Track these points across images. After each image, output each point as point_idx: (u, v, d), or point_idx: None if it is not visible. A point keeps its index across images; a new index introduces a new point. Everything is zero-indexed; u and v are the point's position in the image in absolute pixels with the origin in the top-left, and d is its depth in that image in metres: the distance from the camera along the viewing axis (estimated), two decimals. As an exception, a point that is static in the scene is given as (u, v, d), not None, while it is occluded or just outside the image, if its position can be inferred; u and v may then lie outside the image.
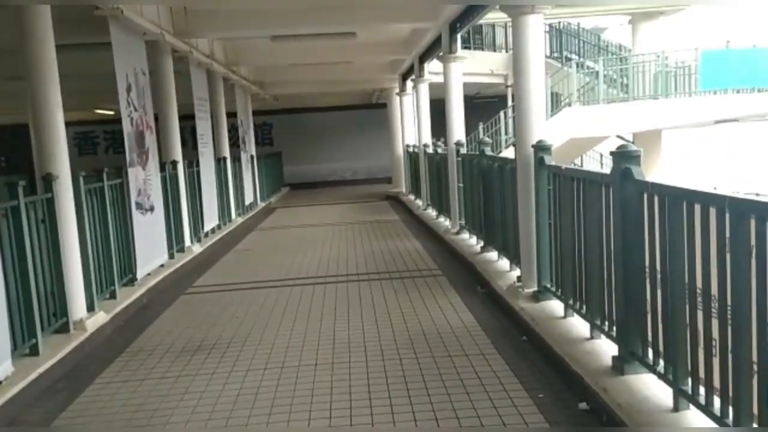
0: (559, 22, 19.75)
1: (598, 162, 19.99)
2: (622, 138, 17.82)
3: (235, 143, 13.97)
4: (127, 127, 6.50)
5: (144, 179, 6.93)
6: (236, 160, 13.14)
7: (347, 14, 8.78)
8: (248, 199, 13.85)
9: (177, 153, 8.65)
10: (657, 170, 16.14)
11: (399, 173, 16.85)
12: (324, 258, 8.28)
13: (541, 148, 5.01)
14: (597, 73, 15.86)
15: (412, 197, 14.69)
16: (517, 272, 5.82)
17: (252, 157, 15.15)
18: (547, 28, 19.57)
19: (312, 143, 22.52)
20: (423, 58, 11.88)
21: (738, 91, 14.80)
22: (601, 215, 3.85)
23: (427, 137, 12.35)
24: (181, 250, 8.48)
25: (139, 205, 6.72)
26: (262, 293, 6.53)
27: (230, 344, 4.91)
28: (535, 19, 5.13)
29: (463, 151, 8.57)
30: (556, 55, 19.40)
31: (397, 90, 16.06)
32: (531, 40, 5.12)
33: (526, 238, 5.33)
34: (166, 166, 8.08)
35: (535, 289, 5.17)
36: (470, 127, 20.97)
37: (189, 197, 9.16)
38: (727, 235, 2.60)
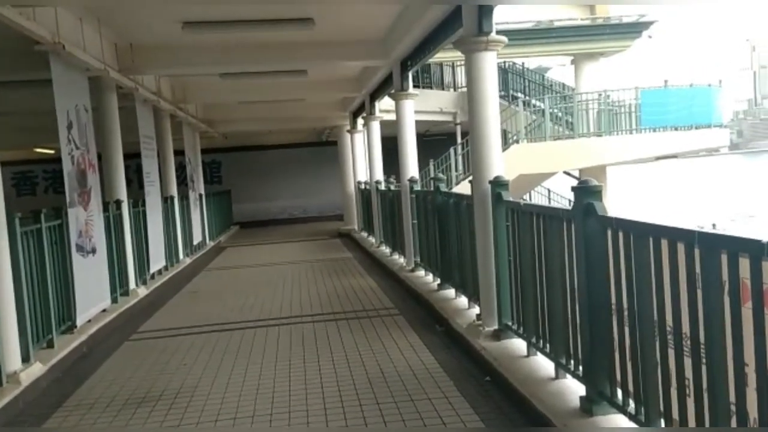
0: (505, 62, 20.28)
1: (545, 197, 20.35)
2: (568, 174, 18.21)
3: (183, 182, 13.66)
4: (67, 166, 6.19)
5: (85, 220, 6.59)
6: (184, 198, 12.79)
7: (298, 52, 8.72)
8: (197, 238, 13.47)
9: (121, 192, 8.32)
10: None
11: (351, 210, 16.74)
12: (277, 298, 8.02)
13: (498, 183, 4.97)
14: (543, 111, 16.25)
15: (364, 234, 14.56)
16: (476, 310, 5.72)
17: (200, 195, 14.81)
18: (494, 68, 20.06)
19: (262, 181, 22.25)
20: (374, 95, 11.91)
21: (676, 129, 15.36)
22: (563, 251, 3.79)
23: (379, 174, 12.32)
24: (126, 293, 8.09)
25: (79, 248, 6.37)
26: (212, 338, 6.23)
27: (178, 394, 4.61)
28: (489, 56, 5.14)
29: (417, 187, 8.52)
30: (502, 93, 19.84)
31: (348, 127, 16.05)
32: (486, 77, 5.13)
33: (485, 276, 5.25)
34: (110, 206, 7.74)
35: (496, 327, 5.07)
36: (421, 164, 21.14)
37: (134, 238, 8.80)
38: (697, 270, 2.55)
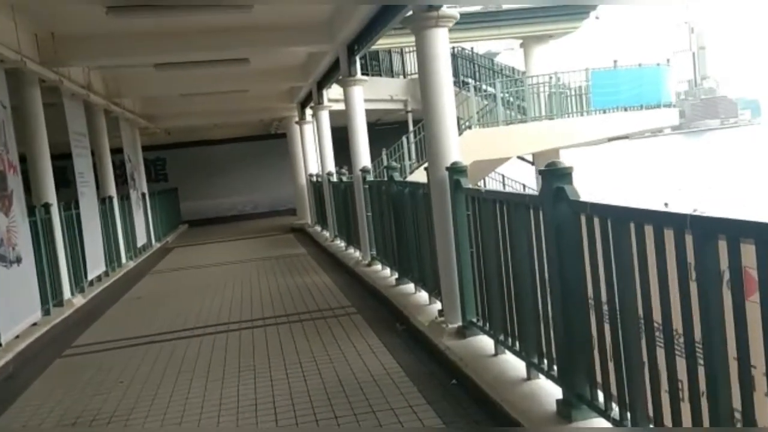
0: (454, 48, 20.00)
1: (500, 183, 20.24)
2: (522, 159, 18.10)
3: (124, 181, 12.95)
4: (-19, 168, 5.58)
5: (7, 227, 5.98)
6: (125, 198, 12.11)
7: (237, 39, 8.20)
8: (141, 240, 12.80)
9: (50, 194, 7.68)
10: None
11: (303, 204, 16.24)
12: (226, 301, 7.54)
13: (456, 170, 4.62)
14: (495, 96, 16.05)
15: (318, 228, 14.12)
16: (438, 306, 5.38)
17: (143, 194, 14.10)
18: (443, 53, 19.79)
19: (210, 177, 21.48)
20: (321, 84, 11.45)
21: (627, 109, 15.36)
22: (531, 240, 3.47)
23: (330, 165, 11.88)
24: (60, 303, 7.48)
25: (1, 258, 5.76)
26: (154, 349, 5.73)
27: (112, 418, 4.13)
28: (440, 33, 4.78)
29: (370, 177, 8.14)
30: (453, 79, 19.56)
31: (297, 119, 15.52)
32: (439, 56, 4.77)
33: (446, 269, 4.90)
34: (37, 210, 7.10)
35: (460, 324, 4.74)
36: (373, 153, 20.73)
37: (68, 243, 8.17)
38: (690, 259, 2.24)
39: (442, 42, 4.78)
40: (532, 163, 18.00)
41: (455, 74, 19.77)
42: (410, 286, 6.44)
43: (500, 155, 16.79)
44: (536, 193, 3.47)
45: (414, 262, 6.16)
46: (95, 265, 9.19)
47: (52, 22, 7.20)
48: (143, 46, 8.07)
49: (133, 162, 13.12)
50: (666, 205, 3.25)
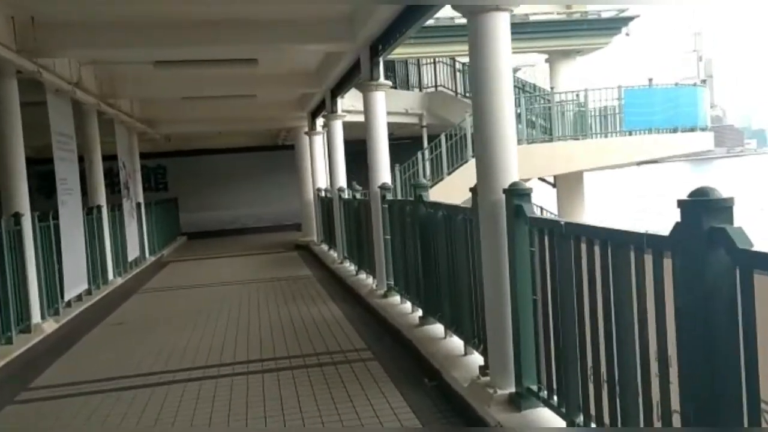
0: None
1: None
2: (544, 181, 17.08)
3: (117, 189, 11.97)
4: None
5: (-43, 241, 4.96)
6: (117, 208, 11.10)
7: (245, 33, 7.23)
8: (132, 253, 11.77)
9: (22, 203, 6.67)
10: (582, 213, 15.41)
11: (309, 220, 15.21)
12: (219, 335, 6.48)
13: (517, 193, 3.58)
14: (518, 113, 15.08)
15: (325, 247, 13.07)
16: (478, 359, 4.33)
17: (138, 204, 13.10)
18: (460, 67, 18.89)
19: (212, 188, 20.51)
20: (336, 91, 10.48)
21: (660, 131, 14.34)
22: (645, 298, 2.44)
23: (342, 180, 10.88)
24: (27, 329, 6.45)
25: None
26: (124, 398, 4.67)
27: None
28: (501, 18, 3.76)
29: (391, 196, 7.11)
30: (469, 94, 18.65)
31: (306, 129, 14.54)
32: (499, 47, 3.75)
33: (496, 317, 3.85)
34: (2, 222, 6.08)
35: (513, 390, 3.68)
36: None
37: (43, 258, 7.16)
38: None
39: (503, 29, 3.76)
40: (554, 185, 16.97)
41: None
42: (438, 328, 5.38)
43: (520, 176, 15.72)
44: (652, 231, 2.43)
45: (445, 299, 5.11)
46: (75, 283, 8.16)
47: (33, 3, 6.23)
48: (140, 36, 7.10)
49: (128, 169, 12.13)
50: None
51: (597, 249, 2.79)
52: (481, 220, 3.94)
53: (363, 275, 8.80)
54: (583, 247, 2.92)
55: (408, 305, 6.41)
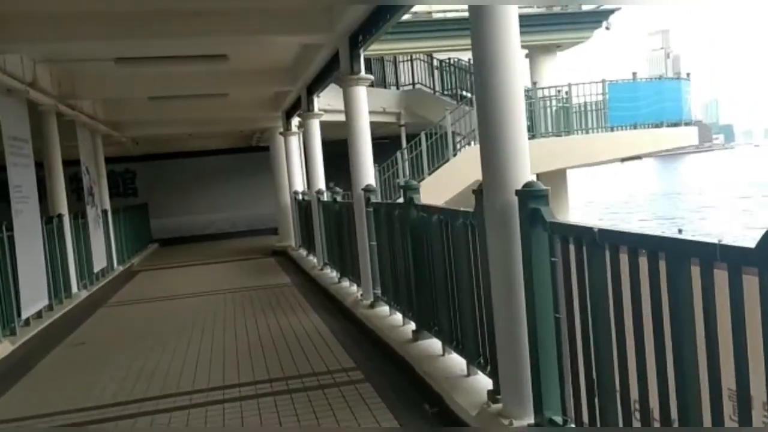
0: (449, 58, 18.67)
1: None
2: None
3: (80, 196, 11.26)
4: None
5: None
6: (81, 216, 10.40)
7: (214, 24, 6.65)
8: (99, 264, 11.07)
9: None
10: (566, 212, 15.05)
11: (287, 224, 14.62)
12: (192, 355, 5.89)
13: (532, 194, 3.10)
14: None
15: (303, 252, 12.51)
16: (485, 382, 3.84)
17: (105, 211, 12.39)
18: (437, 64, 18.46)
19: (184, 192, 19.79)
20: (312, 88, 9.93)
21: (645, 126, 14.04)
22: (715, 318, 1.97)
23: (320, 182, 10.34)
24: (-24, 354, 5.81)
25: None
26: (84, 435, 4.09)
27: None
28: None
29: (376, 198, 6.60)
30: (447, 92, 18.22)
31: (281, 129, 13.95)
32: (510, 23, 3.29)
33: (510, 337, 3.36)
34: (-58, 236, 5.43)
35: (532, 421, 3.20)
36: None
37: (-5, 274, 6.51)
38: None
39: (513, 10, 3.29)
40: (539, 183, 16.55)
41: (451, 86, 18.46)
42: (434, 343, 4.88)
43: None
44: (727, 240, 1.95)
45: (442, 312, 4.61)
46: (34, 299, 7.50)
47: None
48: (98, 29, 6.48)
49: (91, 175, 11.42)
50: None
51: (644, 261, 2.32)
52: (488, 225, 3.45)
53: (346, 283, 8.27)
54: (624, 258, 2.44)
55: (398, 317, 5.90)
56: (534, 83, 14.60)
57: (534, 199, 3.09)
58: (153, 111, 12.13)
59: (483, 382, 3.91)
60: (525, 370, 3.24)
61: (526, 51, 15.95)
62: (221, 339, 6.46)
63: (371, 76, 7.11)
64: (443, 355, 4.67)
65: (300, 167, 13.78)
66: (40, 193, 8.14)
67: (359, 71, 6.71)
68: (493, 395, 3.62)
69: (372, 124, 17.29)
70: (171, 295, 9.80)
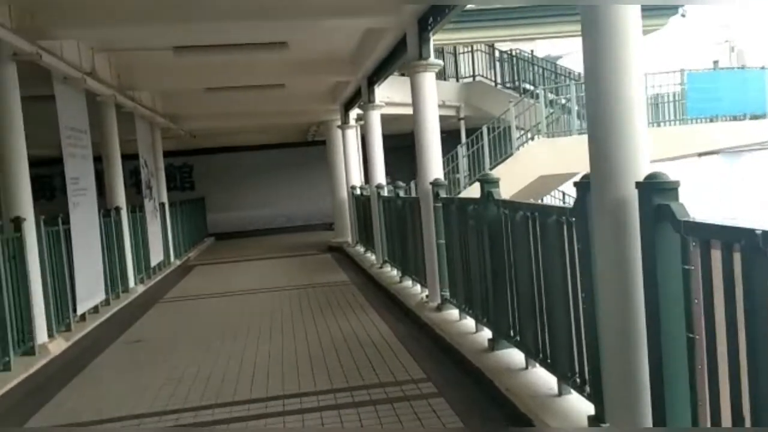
0: (510, 50, 17.96)
1: (560, 201, 18.03)
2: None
3: (139, 189, 11.18)
4: None
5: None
6: (137, 209, 10.27)
7: (272, 7, 6.27)
8: (156, 258, 10.94)
9: (24, 206, 5.82)
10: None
11: (343, 220, 14.28)
12: (248, 358, 5.54)
13: (659, 187, 2.57)
14: (566, 102, 13.97)
15: (361, 249, 12.15)
16: (580, 402, 3.33)
17: (162, 205, 12.29)
18: (499, 55, 17.78)
19: (240, 187, 19.73)
20: (373, 78, 9.51)
21: (726, 119, 13.06)
22: None
23: (380, 176, 9.93)
24: (30, 351, 5.60)
25: None
26: (135, 447, 3.76)
27: None
28: None
29: (445, 193, 6.11)
30: (509, 84, 17.52)
31: (339, 122, 13.60)
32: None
33: (622, 357, 2.85)
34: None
35: (652, 459, 2.67)
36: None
37: (51, 267, 6.33)
38: None
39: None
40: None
41: (512, 79, 17.73)
42: (514, 355, 4.39)
43: (569, 170, 14.61)
44: None
45: (526, 320, 4.11)
46: (90, 294, 7.33)
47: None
48: (155, 15, 6.20)
49: (149, 168, 11.31)
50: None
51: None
52: (596, 224, 2.94)
53: (408, 282, 7.83)
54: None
55: (470, 322, 5.43)
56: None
57: (660, 192, 2.56)
58: (210, 103, 11.95)
59: (579, 404, 3.41)
60: (642, 399, 2.72)
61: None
62: (279, 341, 6.10)
63: (441, 62, 6.62)
64: (526, 368, 4.17)
65: (357, 161, 13.43)
66: (98, 187, 8.00)
67: (428, 56, 6.23)
68: (596, 422, 3.11)
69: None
70: (227, 291, 9.55)
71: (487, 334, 4.91)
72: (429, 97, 6.38)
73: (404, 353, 5.33)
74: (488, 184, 4.62)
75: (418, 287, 7.30)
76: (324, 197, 18.54)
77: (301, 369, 5.07)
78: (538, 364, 4.03)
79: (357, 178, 13.11)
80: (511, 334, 4.43)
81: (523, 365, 4.19)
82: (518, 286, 4.25)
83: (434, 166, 6.38)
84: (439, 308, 6.16)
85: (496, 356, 4.51)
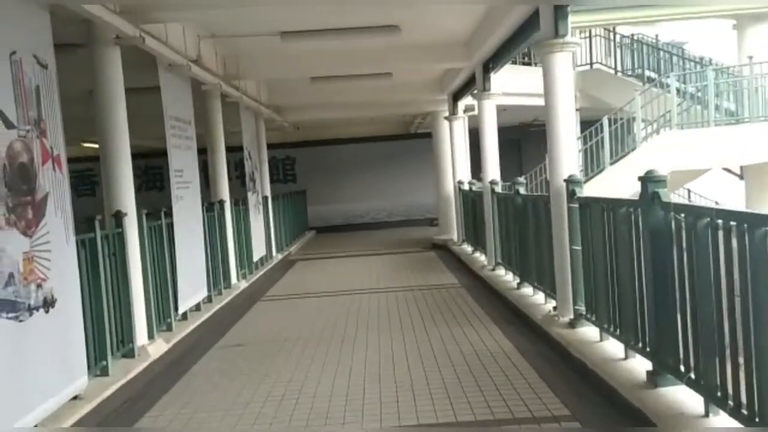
0: (632, 34, 16.51)
1: (686, 200, 16.45)
2: (729, 171, 14.31)
3: (243, 182, 10.97)
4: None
5: (27, 253, 3.76)
6: (240, 203, 10.03)
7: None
8: (258, 252, 10.68)
9: (126, 199, 5.52)
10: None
11: (448, 216, 13.57)
12: (356, 374, 4.96)
13: None
14: (697, 91, 12.58)
15: (468, 248, 11.42)
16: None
17: (265, 198, 12.05)
18: (620, 40, 16.37)
19: (341, 180, 19.44)
20: (490, 64, 8.71)
21: None
22: None
23: (494, 172, 9.12)
24: (130, 353, 5.30)
25: (7, 305, 3.53)
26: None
27: None
28: None
29: (581, 191, 5.26)
30: (630, 72, 16.09)
31: (446, 113, 12.88)
32: None
33: None
34: (96, 224, 4.91)
35: None
36: (532, 158, 17.70)
37: (152, 264, 6.05)
38: None
39: None
40: (741, 177, 14.16)
41: (633, 66, 16.30)
42: (684, 393, 3.53)
43: (703, 165, 13.21)
44: None
45: (708, 355, 3.26)
46: (193, 291, 7.04)
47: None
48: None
49: (253, 160, 11.05)
50: None
51: None
52: None
53: (528, 290, 7.03)
54: None
55: (613, 345, 4.60)
56: (750, 58, 12.27)
57: None
58: (315, 94, 11.58)
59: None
60: None
61: (734, 22, 13.55)
62: (389, 352, 5.50)
63: (579, 41, 5.77)
64: (706, 416, 3.31)
65: (465, 154, 12.67)
66: (202, 179, 7.73)
67: (565, 33, 5.39)
68: None
69: (540, 108, 15.80)
70: (329, 290, 9.10)
71: (641, 363, 4.08)
72: (564, 81, 5.55)
73: (534, 377, 4.57)
74: (653, 183, 3.77)
75: (541, 296, 6.50)
76: (426, 192, 17.92)
77: (418, 392, 4.43)
78: (725, 413, 3.17)
79: (465, 173, 12.37)
80: (682, 369, 3.58)
81: (703, 412, 3.34)
82: (695, 310, 3.39)
83: (568, 161, 5.55)
84: (571, 324, 5.34)
85: (661, 395, 3.67)
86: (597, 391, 4.18)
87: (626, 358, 4.36)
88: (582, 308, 5.26)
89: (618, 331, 4.52)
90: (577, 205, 5.23)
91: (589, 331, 5.09)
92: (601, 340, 4.84)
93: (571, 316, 5.40)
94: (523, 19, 6.34)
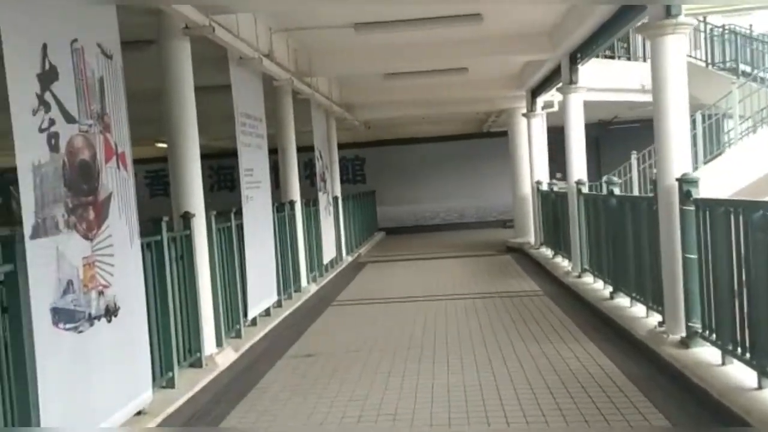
0: (723, 25, 15.31)
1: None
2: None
3: (313, 182, 10.69)
4: (32, 154, 3.07)
5: (88, 258, 3.46)
6: (311, 203, 9.72)
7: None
8: (328, 255, 10.36)
9: (194, 200, 5.23)
10: None
11: (525, 218, 12.93)
12: (439, 393, 4.48)
13: None
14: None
15: (547, 252, 10.76)
16: None
17: (336, 199, 11.73)
18: (710, 30, 15.21)
19: (411, 180, 19.00)
20: (579, 53, 8.06)
21: None
22: None
23: (579, 172, 8.46)
24: (197, 363, 5.00)
25: (66, 315, 3.24)
26: None
27: None
28: None
29: (697, 192, 4.60)
30: (720, 64, 14.92)
31: (524, 110, 12.23)
32: None
33: None
34: (163, 226, 4.61)
35: None
36: (611, 157, 16.72)
37: (221, 267, 5.76)
38: None
39: None
40: None
41: (723, 59, 15.11)
42: None
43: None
44: None
45: None
46: (262, 296, 6.74)
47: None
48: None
49: (324, 160, 10.73)
50: None
51: None
52: None
53: (624, 301, 6.37)
54: None
55: (740, 371, 3.96)
56: None
57: None
58: (387, 91, 11.21)
59: None
60: None
61: None
62: (473, 368, 5.00)
63: (694, 21, 5.10)
64: None
65: (544, 153, 11.98)
66: (273, 179, 7.43)
67: (678, 13, 4.75)
68: None
69: (621, 104, 14.80)
70: (401, 295, 8.66)
71: (780, 394, 3.43)
72: (676, 67, 4.93)
73: (648, 407, 3.96)
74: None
75: (641, 309, 5.84)
76: (499, 192, 17.29)
77: (511, 418, 3.90)
78: None
79: (544, 173, 11.70)
80: None
81: None
82: None
83: (681, 157, 4.91)
84: (683, 343, 4.69)
85: (816, 439, 3.04)
86: (724, 421, 3.54)
87: (760, 387, 3.71)
88: (697, 325, 4.61)
89: (748, 355, 3.87)
90: (692, 208, 4.58)
91: (706, 352, 4.46)
92: (724, 363, 4.19)
93: (683, 334, 4.75)
94: (622, 1, 5.71)
